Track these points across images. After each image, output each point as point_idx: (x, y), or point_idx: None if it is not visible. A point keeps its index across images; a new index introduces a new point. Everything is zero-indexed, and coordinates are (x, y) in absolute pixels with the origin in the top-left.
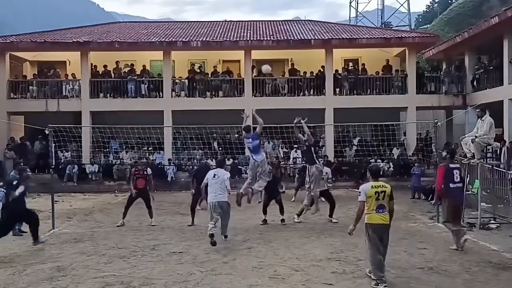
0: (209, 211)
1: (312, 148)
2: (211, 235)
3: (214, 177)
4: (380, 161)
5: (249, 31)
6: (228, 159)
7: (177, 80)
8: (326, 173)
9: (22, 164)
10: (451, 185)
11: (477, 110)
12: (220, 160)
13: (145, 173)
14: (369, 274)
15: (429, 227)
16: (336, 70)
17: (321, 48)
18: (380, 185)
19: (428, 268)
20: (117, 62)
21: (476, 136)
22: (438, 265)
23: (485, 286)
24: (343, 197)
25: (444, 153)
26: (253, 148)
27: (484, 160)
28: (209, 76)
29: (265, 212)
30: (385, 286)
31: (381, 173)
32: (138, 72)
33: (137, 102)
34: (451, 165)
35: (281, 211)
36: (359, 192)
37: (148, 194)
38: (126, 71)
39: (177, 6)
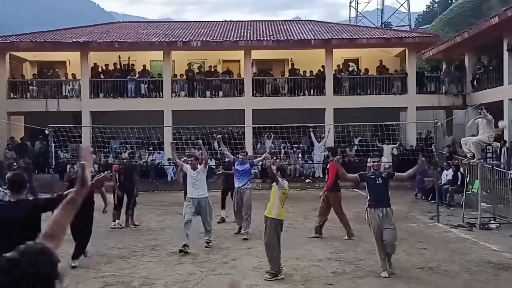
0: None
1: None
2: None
3: None
4: None
5: (249, 31)
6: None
7: (177, 80)
8: None
9: (15, 164)
10: (338, 181)
11: (480, 108)
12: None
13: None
14: (268, 277)
15: (429, 227)
16: (336, 70)
17: (321, 48)
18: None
19: (428, 268)
20: (116, 63)
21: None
22: (438, 265)
23: (485, 286)
24: (343, 197)
25: (326, 153)
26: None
27: (484, 160)
28: (209, 76)
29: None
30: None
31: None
32: (138, 71)
33: (137, 102)
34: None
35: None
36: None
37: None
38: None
39: (178, 6)
